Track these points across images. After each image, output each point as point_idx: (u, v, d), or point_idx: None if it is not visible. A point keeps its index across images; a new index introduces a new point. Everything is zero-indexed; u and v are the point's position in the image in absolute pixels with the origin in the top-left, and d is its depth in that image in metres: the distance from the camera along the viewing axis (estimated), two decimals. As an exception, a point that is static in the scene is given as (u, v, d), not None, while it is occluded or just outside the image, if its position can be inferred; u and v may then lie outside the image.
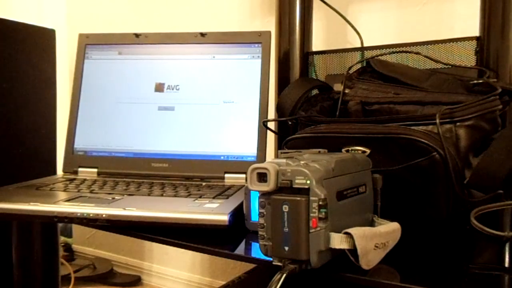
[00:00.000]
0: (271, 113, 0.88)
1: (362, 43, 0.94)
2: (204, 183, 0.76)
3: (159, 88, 0.85)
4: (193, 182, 0.77)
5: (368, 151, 0.55)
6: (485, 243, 0.52)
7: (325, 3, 0.96)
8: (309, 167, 0.41)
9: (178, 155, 0.82)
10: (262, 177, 0.42)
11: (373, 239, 0.42)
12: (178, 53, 0.86)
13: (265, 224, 0.42)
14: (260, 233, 0.43)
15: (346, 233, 0.41)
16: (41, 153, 0.95)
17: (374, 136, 0.54)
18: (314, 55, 0.92)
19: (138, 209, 0.57)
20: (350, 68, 0.72)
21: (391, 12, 0.98)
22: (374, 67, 0.71)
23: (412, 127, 0.53)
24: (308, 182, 0.40)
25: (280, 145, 0.89)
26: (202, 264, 1.37)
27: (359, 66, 0.74)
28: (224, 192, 0.67)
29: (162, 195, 0.66)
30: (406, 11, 0.97)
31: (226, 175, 0.78)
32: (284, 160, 0.43)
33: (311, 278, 0.57)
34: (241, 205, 0.58)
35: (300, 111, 0.70)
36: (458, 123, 0.54)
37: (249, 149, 0.79)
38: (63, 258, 1.44)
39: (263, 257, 0.44)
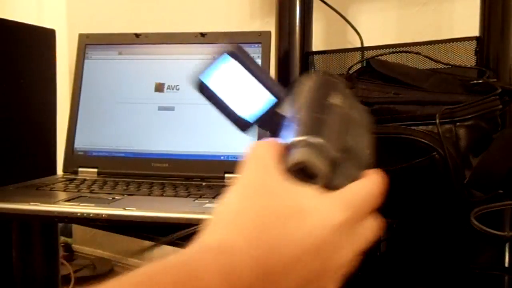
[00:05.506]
0: (271, 113, 0.88)
1: (362, 43, 0.93)
2: (204, 183, 0.76)
3: (159, 88, 0.85)
4: (193, 182, 0.77)
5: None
6: (485, 243, 0.52)
7: (325, 3, 0.96)
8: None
9: (178, 155, 0.81)
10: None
11: None
12: (178, 53, 0.86)
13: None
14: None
15: None
16: (41, 153, 0.94)
17: (374, 136, 0.54)
18: (314, 55, 0.92)
19: (138, 209, 0.57)
20: (350, 68, 0.72)
21: (391, 12, 0.98)
22: (374, 67, 0.71)
23: (412, 127, 0.53)
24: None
25: (280, 145, 0.89)
26: (202, 264, 1.36)
27: (359, 66, 0.74)
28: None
29: (162, 195, 0.66)
30: (406, 11, 0.97)
31: (226, 175, 0.78)
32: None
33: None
34: (241, 205, 0.58)
35: (300, 111, 0.70)
36: (458, 123, 0.54)
37: (249, 149, 0.79)
38: (63, 258, 1.43)
39: (263, 257, 0.44)
